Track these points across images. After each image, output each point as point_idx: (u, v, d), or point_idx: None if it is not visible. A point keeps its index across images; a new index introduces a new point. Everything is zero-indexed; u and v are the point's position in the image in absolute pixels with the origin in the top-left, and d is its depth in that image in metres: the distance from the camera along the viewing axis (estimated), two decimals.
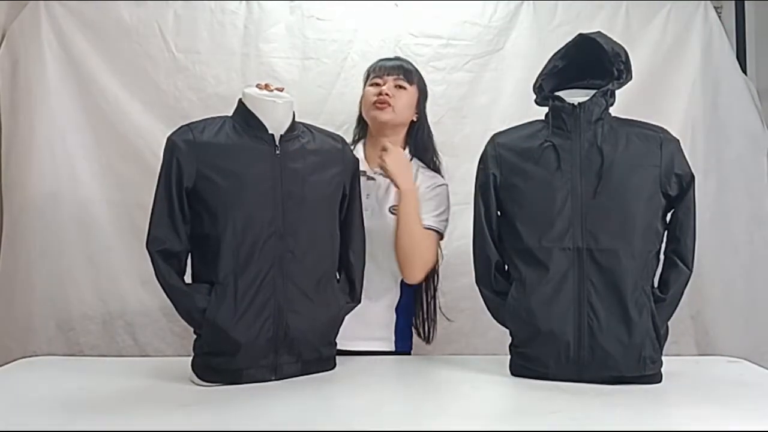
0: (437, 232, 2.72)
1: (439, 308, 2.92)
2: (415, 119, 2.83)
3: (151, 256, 2.26)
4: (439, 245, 2.78)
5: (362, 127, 2.90)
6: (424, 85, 2.88)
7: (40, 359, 2.78)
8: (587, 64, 2.42)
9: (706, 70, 3.57)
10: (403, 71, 2.78)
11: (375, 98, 2.73)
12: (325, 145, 2.46)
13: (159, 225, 2.26)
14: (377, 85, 2.76)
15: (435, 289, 2.87)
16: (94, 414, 1.98)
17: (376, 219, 2.68)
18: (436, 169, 2.85)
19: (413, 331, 2.87)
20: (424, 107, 2.87)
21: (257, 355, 2.27)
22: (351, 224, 2.51)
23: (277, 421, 1.93)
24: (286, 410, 2.03)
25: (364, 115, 2.83)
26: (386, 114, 2.73)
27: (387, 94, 2.71)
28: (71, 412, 1.99)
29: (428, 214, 2.70)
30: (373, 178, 2.75)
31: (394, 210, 2.70)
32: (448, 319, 2.98)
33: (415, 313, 2.87)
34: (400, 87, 2.76)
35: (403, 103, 2.75)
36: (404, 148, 2.81)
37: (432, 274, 2.82)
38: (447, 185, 2.81)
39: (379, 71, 2.79)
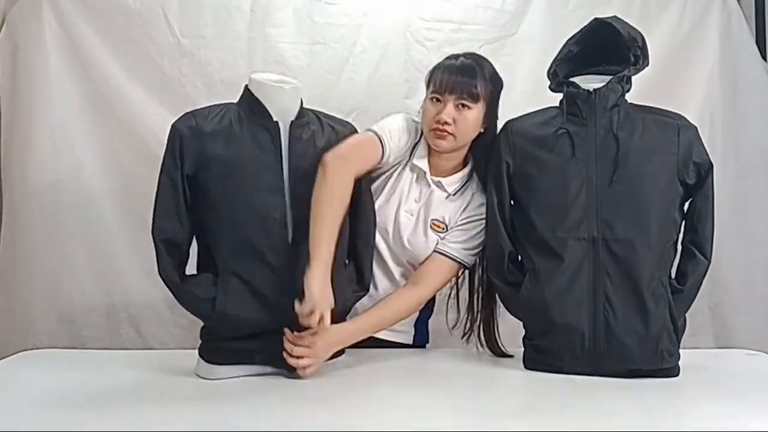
0: (455, 260, 2.54)
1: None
2: (482, 130, 2.56)
3: (155, 245, 2.25)
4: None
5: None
6: (496, 85, 2.55)
7: (41, 352, 2.75)
8: (603, 50, 2.39)
9: (724, 56, 3.54)
10: (467, 87, 2.46)
11: (434, 125, 2.47)
12: (334, 133, 2.41)
13: (163, 214, 2.25)
14: (437, 101, 2.49)
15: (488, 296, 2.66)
16: (97, 408, 1.96)
17: (416, 232, 2.57)
18: None
19: (468, 339, 2.70)
20: (495, 112, 2.58)
21: (266, 342, 2.24)
22: (360, 212, 2.46)
23: (283, 415, 1.92)
24: (293, 405, 2.02)
25: (424, 131, 2.56)
26: (446, 143, 2.50)
27: (447, 122, 2.45)
28: (73, 407, 1.97)
29: (453, 242, 2.55)
30: (429, 185, 2.59)
31: (434, 225, 2.57)
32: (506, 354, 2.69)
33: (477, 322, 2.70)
34: (464, 106, 2.46)
35: (467, 126, 2.48)
36: (463, 165, 2.62)
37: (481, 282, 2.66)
38: None
39: (439, 85, 2.48)
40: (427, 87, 2.55)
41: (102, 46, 3.32)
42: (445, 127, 2.44)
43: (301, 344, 2.22)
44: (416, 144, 2.59)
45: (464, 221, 2.57)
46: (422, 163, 2.56)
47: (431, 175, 2.57)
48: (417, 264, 2.58)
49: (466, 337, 2.68)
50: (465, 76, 2.47)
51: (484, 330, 2.64)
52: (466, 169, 2.61)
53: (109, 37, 3.32)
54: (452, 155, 2.57)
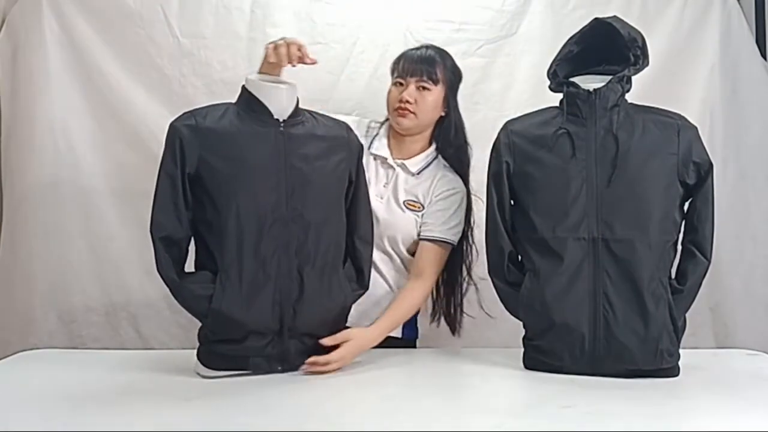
0: (445, 242, 2.69)
1: (480, 305, 2.88)
2: (443, 113, 2.76)
3: (153, 243, 2.24)
4: (469, 238, 2.81)
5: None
6: (455, 74, 2.78)
7: (40, 352, 2.75)
8: (603, 50, 2.38)
9: (724, 55, 3.51)
10: (427, 71, 2.67)
11: (397, 104, 2.68)
12: (330, 131, 2.43)
13: (162, 211, 2.25)
14: (400, 85, 2.70)
15: (461, 282, 2.84)
16: (97, 408, 1.96)
17: (390, 209, 2.67)
18: (462, 164, 2.80)
19: (438, 321, 2.88)
20: (454, 99, 2.78)
21: (264, 343, 2.26)
22: (358, 211, 2.49)
23: (283, 416, 1.92)
24: (293, 406, 2.01)
25: (389, 113, 2.76)
26: (408, 121, 2.69)
27: (408, 101, 2.65)
28: (73, 407, 1.96)
29: (440, 224, 2.68)
30: (393, 167, 2.73)
31: (408, 205, 2.69)
32: (489, 316, 2.89)
33: (440, 304, 2.87)
34: (424, 88, 2.68)
35: (426, 105, 2.69)
36: (427, 146, 2.79)
37: (454, 268, 2.81)
38: (464, 190, 2.76)
39: (402, 71, 2.70)
40: (392, 75, 2.73)
41: (102, 46, 3.30)
42: (407, 105, 2.65)
43: (333, 360, 2.33)
44: (374, 137, 2.79)
45: (438, 198, 2.71)
46: (382, 151, 2.75)
47: (393, 158, 2.73)
48: (396, 243, 2.69)
49: (434, 318, 2.86)
50: (425, 63, 2.69)
51: (446, 304, 2.84)
52: (429, 150, 2.78)
53: (109, 37, 3.30)
54: (416, 138, 2.76)
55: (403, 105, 2.66)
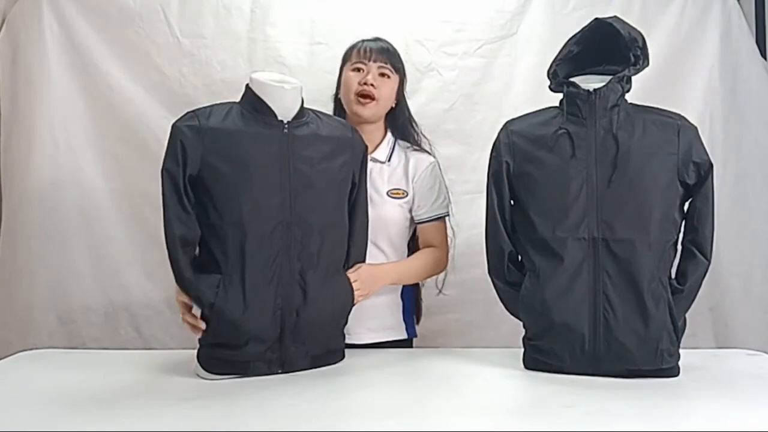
0: (442, 216, 2.76)
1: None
2: (393, 105, 2.78)
3: (168, 244, 2.22)
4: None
5: (340, 109, 2.82)
6: (404, 66, 2.80)
7: (40, 352, 2.73)
8: (603, 50, 2.37)
9: (724, 55, 3.52)
10: (389, 56, 2.70)
11: (359, 88, 2.65)
12: (335, 132, 2.41)
13: (173, 213, 2.22)
14: (359, 70, 2.68)
15: None
16: (96, 409, 1.95)
17: (375, 206, 2.64)
18: (422, 145, 2.84)
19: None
20: (404, 90, 2.82)
21: (265, 348, 2.24)
22: (355, 214, 2.47)
23: (283, 417, 1.90)
24: (294, 406, 1.99)
25: (344, 103, 2.75)
26: (369, 110, 2.67)
27: (372, 85, 2.64)
28: (72, 407, 1.96)
29: (432, 203, 2.74)
30: None
31: (392, 194, 2.70)
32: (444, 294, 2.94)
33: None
34: (384, 75, 2.69)
35: (386, 93, 2.70)
36: (385, 133, 2.79)
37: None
38: (435, 160, 2.79)
39: (363, 54, 2.69)
40: (345, 62, 2.74)
41: (102, 46, 3.32)
42: (371, 88, 2.63)
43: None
44: None
45: (420, 179, 2.74)
46: None
47: None
48: (388, 235, 2.69)
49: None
50: (385, 51, 2.71)
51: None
52: (388, 136, 2.80)
53: (109, 37, 3.32)
54: (372, 128, 2.75)
55: (366, 88, 2.63)
